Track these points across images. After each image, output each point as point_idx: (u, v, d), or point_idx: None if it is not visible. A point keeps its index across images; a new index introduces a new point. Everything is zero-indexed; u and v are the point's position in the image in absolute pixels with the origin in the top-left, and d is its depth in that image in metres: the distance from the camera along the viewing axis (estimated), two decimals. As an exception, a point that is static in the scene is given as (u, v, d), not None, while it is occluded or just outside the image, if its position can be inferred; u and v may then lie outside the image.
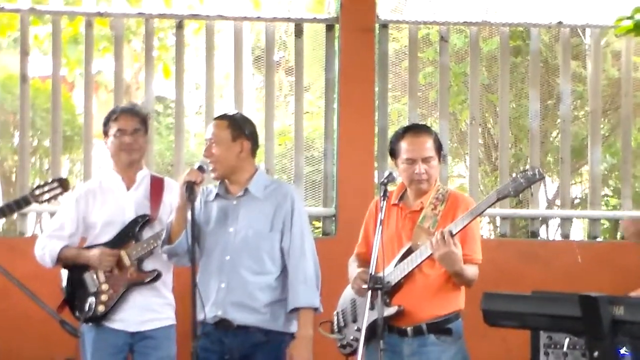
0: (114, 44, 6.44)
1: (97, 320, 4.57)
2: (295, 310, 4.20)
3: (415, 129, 4.45)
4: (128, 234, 4.59)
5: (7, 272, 3.98)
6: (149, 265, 4.57)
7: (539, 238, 6.58)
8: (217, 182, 4.37)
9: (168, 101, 9.96)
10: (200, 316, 4.14)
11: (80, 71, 8.76)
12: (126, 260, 4.56)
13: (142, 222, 4.58)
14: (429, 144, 4.33)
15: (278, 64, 8.65)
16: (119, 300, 4.55)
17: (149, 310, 4.58)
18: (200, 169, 4.19)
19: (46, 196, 4.57)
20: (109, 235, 4.61)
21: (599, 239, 6.58)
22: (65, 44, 8.42)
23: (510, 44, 6.93)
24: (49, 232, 4.72)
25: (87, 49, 6.37)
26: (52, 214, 6.24)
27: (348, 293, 4.51)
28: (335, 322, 4.53)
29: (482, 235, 6.90)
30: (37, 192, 4.55)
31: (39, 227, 7.63)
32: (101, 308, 4.55)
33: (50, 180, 4.61)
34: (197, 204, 4.34)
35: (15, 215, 6.45)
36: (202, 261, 4.31)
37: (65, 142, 7.10)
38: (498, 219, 6.93)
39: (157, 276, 4.57)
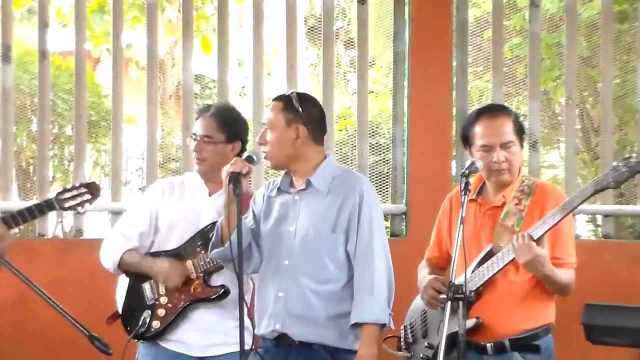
0: (146, 13, 6.51)
1: (151, 338, 4.59)
2: (358, 325, 4.18)
3: (491, 111, 4.43)
4: (198, 243, 4.60)
5: (27, 278, 4.03)
6: (217, 280, 4.57)
7: (649, 239, 6.53)
8: (282, 175, 4.38)
9: (207, 80, 10.03)
10: (258, 330, 4.18)
11: (107, 46, 8.88)
12: (192, 272, 4.60)
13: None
14: (508, 127, 4.30)
15: (337, 36, 8.65)
16: (178, 317, 4.57)
17: (215, 333, 4.57)
18: (249, 159, 4.20)
19: (72, 202, 4.60)
20: (179, 240, 4.63)
21: None
22: (90, 14, 8.52)
23: (615, 9, 6.86)
24: (119, 229, 4.77)
25: (116, 20, 6.44)
26: (75, 215, 6.34)
27: (418, 304, 4.52)
28: (403, 338, 4.54)
29: (580, 237, 6.86)
30: (62, 197, 4.60)
31: (60, 228, 7.75)
32: (156, 324, 4.58)
33: (77, 184, 4.65)
34: (260, 199, 4.38)
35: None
36: (262, 266, 4.34)
37: (91, 128, 7.18)
38: (599, 218, 6.86)
39: (224, 293, 4.55)
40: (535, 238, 4.04)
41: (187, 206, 4.68)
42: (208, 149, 4.63)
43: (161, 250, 4.66)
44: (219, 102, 5.19)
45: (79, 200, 4.59)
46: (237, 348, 4.16)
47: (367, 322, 4.15)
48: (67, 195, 4.57)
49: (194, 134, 4.68)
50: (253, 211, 4.35)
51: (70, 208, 4.59)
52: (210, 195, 4.68)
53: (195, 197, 4.70)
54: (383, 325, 4.20)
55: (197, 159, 4.66)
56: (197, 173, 4.74)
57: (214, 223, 4.50)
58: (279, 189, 4.35)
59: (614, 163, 4.10)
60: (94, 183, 4.65)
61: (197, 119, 4.73)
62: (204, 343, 4.57)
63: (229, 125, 4.66)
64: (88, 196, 4.59)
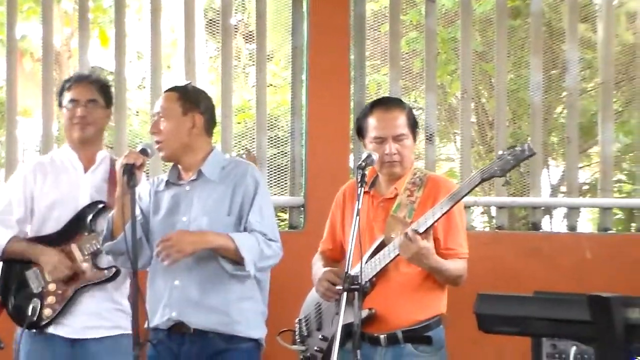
0: (41, 4, 6.39)
1: (43, 327, 4.50)
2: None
3: (385, 103, 4.47)
4: (80, 224, 4.54)
5: None
6: (104, 261, 4.52)
7: (541, 230, 6.63)
8: (168, 171, 4.38)
9: (105, 73, 9.92)
10: (151, 322, 4.15)
11: (1, 37, 8.71)
12: (78, 255, 4.53)
13: (96, 210, 4.52)
14: (401, 119, 4.35)
15: (236, 29, 8.62)
16: (69, 302, 4.50)
17: (94, 316, 4.52)
18: (143, 151, 4.20)
19: None
20: (57, 222, 4.55)
21: (610, 231, 6.62)
22: (-17, 4, 8.35)
23: (508, 4, 6.96)
24: None
25: (10, 10, 6.32)
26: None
27: (312, 297, 4.53)
28: (298, 332, 4.55)
29: (474, 228, 6.96)
30: None
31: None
32: (48, 312, 4.50)
33: None
34: (146, 195, 4.36)
35: None
36: (153, 259, 4.31)
37: (-16, 120, 7.05)
38: (493, 209, 6.97)
39: (116, 273, 4.51)
40: (421, 232, 4.08)
41: (63, 187, 4.60)
42: (96, 112, 4.64)
43: (40, 234, 4.57)
44: (91, 70, 5.09)
45: None
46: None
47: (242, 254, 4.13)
48: None
49: (77, 100, 4.60)
50: (140, 207, 4.32)
51: None
52: (85, 171, 4.64)
53: (70, 176, 4.63)
54: (241, 259, 4.13)
55: (85, 123, 4.60)
56: (68, 148, 4.68)
57: (94, 203, 4.51)
58: (167, 182, 4.35)
59: (500, 152, 4.16)
60: None
61: (71, 86, 4.65)
62: (81, 326, 4.51)
63: (106, 91, 4.72)
64: None
